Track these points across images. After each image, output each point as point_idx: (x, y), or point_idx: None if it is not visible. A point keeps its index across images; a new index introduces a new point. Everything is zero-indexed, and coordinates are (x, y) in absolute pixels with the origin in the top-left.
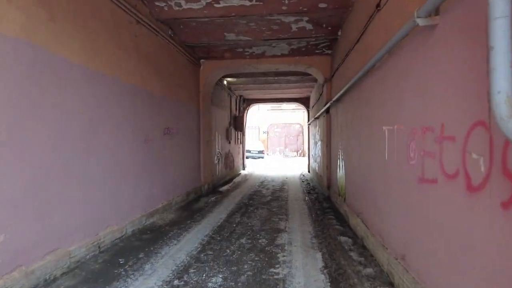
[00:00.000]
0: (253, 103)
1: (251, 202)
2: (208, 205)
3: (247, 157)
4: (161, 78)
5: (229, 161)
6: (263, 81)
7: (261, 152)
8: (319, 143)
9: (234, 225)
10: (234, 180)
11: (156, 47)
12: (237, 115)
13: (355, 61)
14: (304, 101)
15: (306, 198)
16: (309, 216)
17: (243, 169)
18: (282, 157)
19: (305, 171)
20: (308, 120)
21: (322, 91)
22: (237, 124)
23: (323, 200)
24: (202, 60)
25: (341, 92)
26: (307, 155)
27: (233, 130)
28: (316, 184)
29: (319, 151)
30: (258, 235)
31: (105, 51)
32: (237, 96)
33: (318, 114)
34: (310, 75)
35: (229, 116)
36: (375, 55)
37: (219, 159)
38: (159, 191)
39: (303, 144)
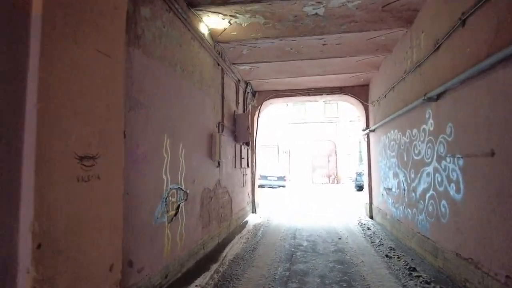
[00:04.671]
0: (269, 97)
1: None
2: None
3: (262, 186)
4: None
5: (217, 206)
6: (290, 28)
7: (281, 178)
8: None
9: None
10: (225, 251)
11: None
12: (240, 113)
13: None
14: (358, 92)
15: None
16: None
17: (253, 211)
18: (310, 184)
19: (362, 214)
20: (367, 126)
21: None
22: (240, 130)
23: None
24: None
25: None
26: (342, 181)
27: (229, 141)
28: (437, 275)
29: (455, 187)
30: None
31: None
32: (238, 81)
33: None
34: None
35: (219, 108)
36: None
37: (181, 208)
38: None
39: (336, 167)
